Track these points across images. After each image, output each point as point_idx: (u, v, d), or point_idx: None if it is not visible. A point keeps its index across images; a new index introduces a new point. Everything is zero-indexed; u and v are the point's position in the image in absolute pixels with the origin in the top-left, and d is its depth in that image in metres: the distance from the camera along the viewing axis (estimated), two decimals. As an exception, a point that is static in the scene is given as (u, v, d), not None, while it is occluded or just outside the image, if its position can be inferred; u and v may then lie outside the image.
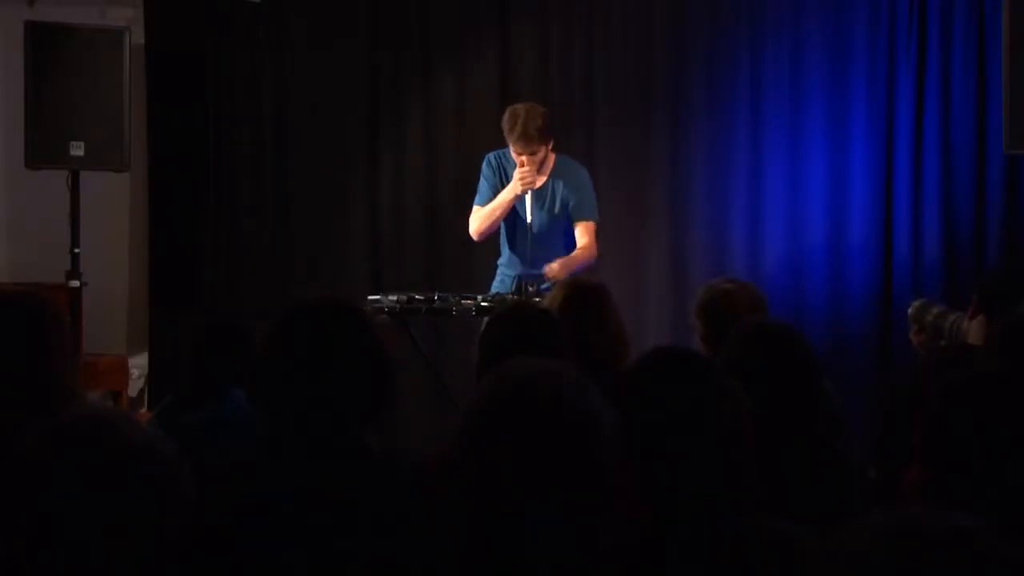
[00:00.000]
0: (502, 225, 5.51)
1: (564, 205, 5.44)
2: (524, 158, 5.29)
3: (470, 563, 1.80)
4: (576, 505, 1.76)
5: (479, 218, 5.49)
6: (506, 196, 5.38)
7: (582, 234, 5.42)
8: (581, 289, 3.78)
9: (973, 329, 3.55)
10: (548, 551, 1.77)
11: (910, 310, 4.08)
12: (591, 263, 5.43)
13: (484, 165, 5.55)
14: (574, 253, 5.38)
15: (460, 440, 1.81)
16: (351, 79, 6.81)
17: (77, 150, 6.18)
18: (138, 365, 7.04)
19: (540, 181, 5.39)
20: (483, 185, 5.53)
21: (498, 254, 5.69)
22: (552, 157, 5.44)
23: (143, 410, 6.75)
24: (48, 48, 6.18)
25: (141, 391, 7.07)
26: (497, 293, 5.39)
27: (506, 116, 5.36)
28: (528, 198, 5.34)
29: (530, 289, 5.13)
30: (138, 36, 6.75)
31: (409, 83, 6.77)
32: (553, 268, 5.21)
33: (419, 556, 2.08)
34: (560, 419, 1.77)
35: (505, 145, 5.47)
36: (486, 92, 6.63)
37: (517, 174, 5.32)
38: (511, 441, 1.75)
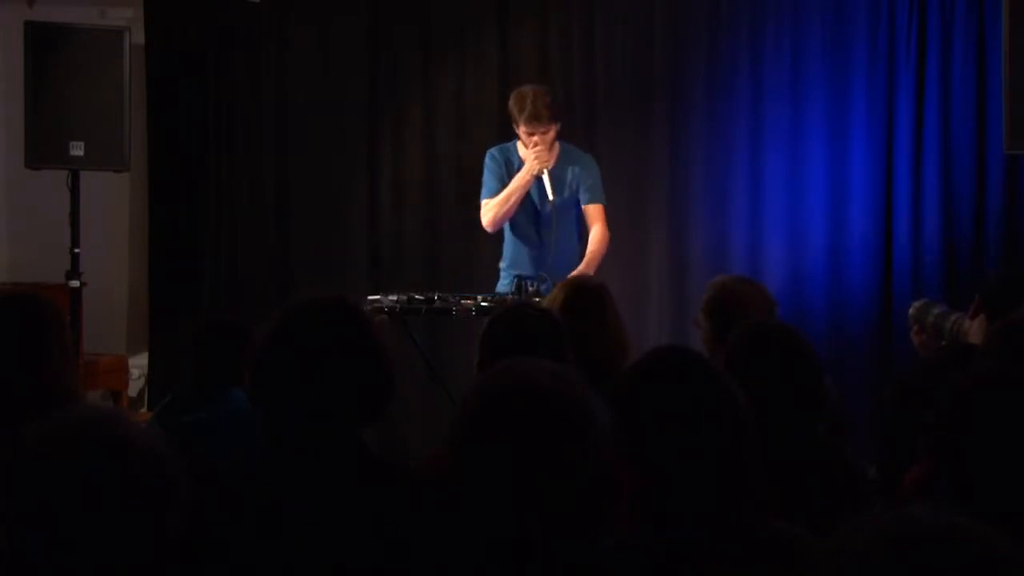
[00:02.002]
0: (507, 224, 5.48)
1: (574, 190, 5.44)
2: (536, 137, 5.28)
3: (469, 563, 1.80)
4: (573, 504, 1.76)
5: (494, 205, 5.43)
6: (521, 179, 5.34)
7: (596, 218, 5.43)
8: (582, 289, 3.77)
9: (974, 329, 3.54)
10: (546, 550, 1.77)
11: (911, 310, 4.07)
12: (606, 250, 5.44)
13: (487, 159, 5.52)
14: (592, 249, 5.38)
15: (455, 439, 1.82)
16: (351, 78, 6.81)
17: (77, 150, 6.18)
18: (138, 365, 7.05)
19: (552, 161, 5.37)
20: (489, 179, 5.49)
21: (498, 252, 5.67)
22: (557, 145, 5.43)
23: (143, 410, 6.76)
24: (48, 48, 6.18)
25: (141, 391, 7.08)
26: (498, 293, 5.38)
27: (513, 99, 5.35)
28: (546, 180, 5.32)
29: (530, 289, 5.12)
30: (138, 36, 6.75)
31: (409, 83, 6.77)
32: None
33: (418, 556, 2.08)
34: (555, 418, 1.77)
35: (507, 139, 5.47)
36: (486, 91, 6.63)
37: (531, 153, 5.29)
38: (506, 440, 1.76)
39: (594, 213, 5.45)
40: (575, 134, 6.46)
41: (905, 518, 1.23)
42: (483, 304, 5.16)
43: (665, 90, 6.44)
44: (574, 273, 5.14)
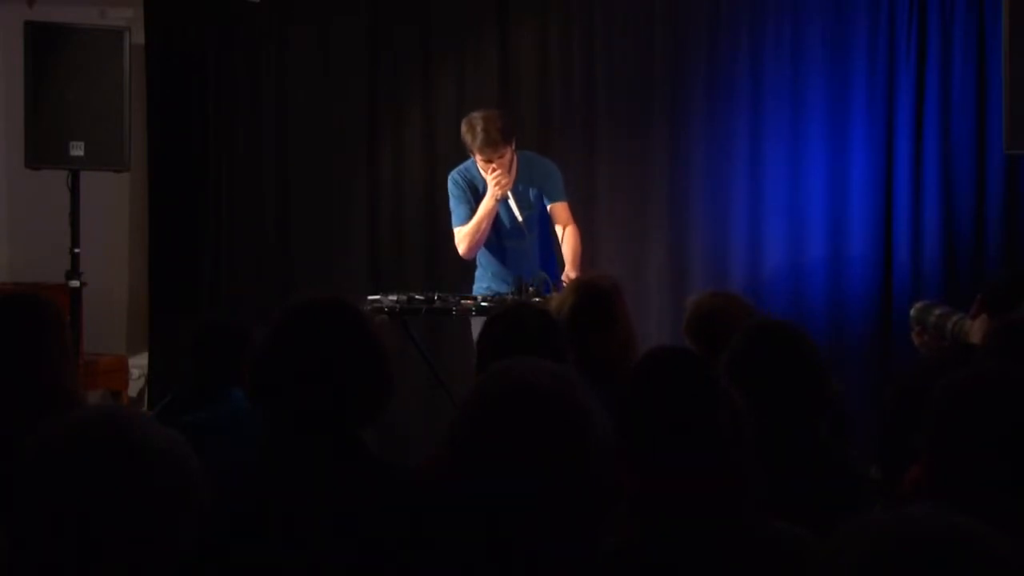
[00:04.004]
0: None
1: (537, 196, 5.47)
2: (493, 164, 5.29)
3: (469, 563, 1.80)
4: (572, 504, 1.76)
5: (466, 234, 5.45)
6: (487, 205, 5.38)
7: (562, 217, 5.46)
8: (593, 289, 3.75)
9: (975, 328, 3.54)
10: (546, 550, 1.77)
11: (912, 311, 4.06)
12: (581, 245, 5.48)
13: (451, 185, 5.52)
14: (572, 248, 5.40)
15: (455, 439, 1.82)
16: (351, 78, 6.81)
17: (77, 150, 6.18)
18: (138, 365, 7.05)
19: (512, 180, 5.39)
20: (456, 205, 5.50)
21: None
22: (516, 156, 5.43)
23: (143, 410, 6.75)
24: (48, 48, 6.18)
25: (141, 391, 7.08)
26: (497, 293, 5.39)
27: (463, 128, 5.35)
28: (512, 199, 5.34)
29: (530, 289, 5.13)
30: (138, 36, 6.75)
31: (409, 83, 6.77)
32: (570, 276, 5.20)
33: (419, 557, 2.08)
34: (553, 418, 1.77)
35: (462, 160, 5.48)
36: (486, 92, 6.62)
37: (491, 180, 5.32)
38: (505, 440, 1.75)
39: (560, 213, 5.47)
40: (575, 134, 6.49)
41: (905, 518, 1.23)
42: (483, 304, 5.16)
43: (665, 90, 6.45)
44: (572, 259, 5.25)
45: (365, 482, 2.28)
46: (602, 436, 1.80)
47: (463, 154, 6.44)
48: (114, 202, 7.05)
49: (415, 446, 6.21)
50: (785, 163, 6.29)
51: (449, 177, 5.57)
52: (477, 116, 5.35)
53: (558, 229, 5.49)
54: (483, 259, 5.59)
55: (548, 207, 5.49)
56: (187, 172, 6.94)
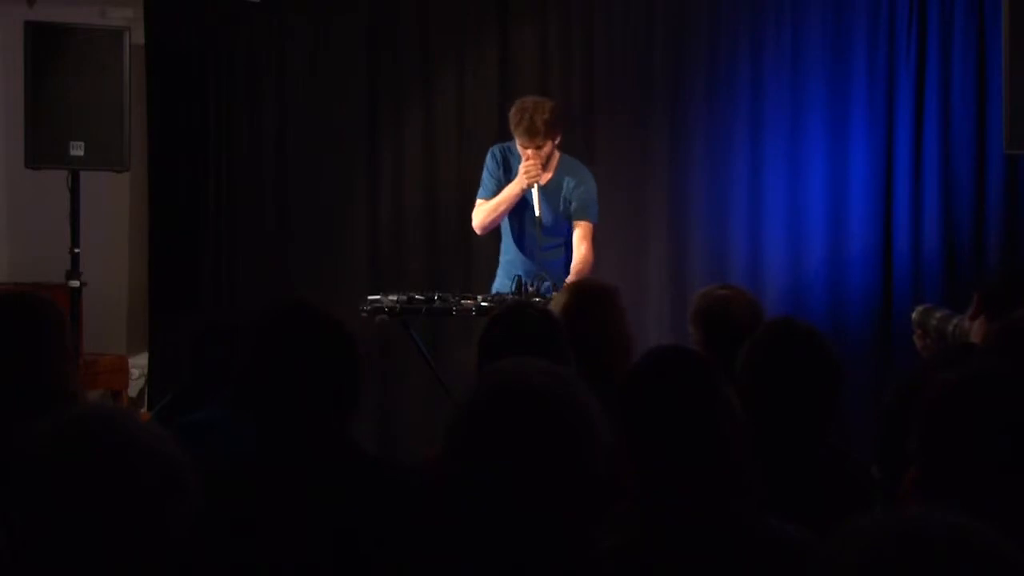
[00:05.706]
0: (506, 221, 5.49)
1: (568, 203, 5.43)
2: (530, 151, 5.27)
3: (467, 563, 1.80)
4: (570, 504, 1.76)
5: (483, 211, 5.47)
6: (512, 190, 5.36)
7: (581, 238, 5.38)
8: (585, 292, 3.76)
9: (974, 329, 3.54)
10: (544, 550, 1.77)
11: (914, 315, 4.07)
12: (589, 271, 5.40)
13: (488, 158, 5.54)
14: (574, 268, 5.30)
15: (452, 439, 1.82)
16: (351, 79, 6.81)
17: (77, 150, 6.18)
18: (138, 365, 7.05)
19: (546, 177, 5.37)
20: (486, 178, 5.51)
21: (498, 252, 5.69)
22: (557, 155, 5.43)
23: (143, 410, 6.76)
24: (48, 48, 6.18)
25: (141, 391, 7.08)
26: (497, 293, 5.38)
27: (513, 109, 5.35)
28: (535, 192, 5.32)
29: (530, 289, 5.12)
30: (138, 36, 6.75)
31: (409, 83, 6.77)
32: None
33: (416, 556, 2.08)
34: (551, 418, 1.77)
35: (510, 138, 5.46)
36: (486, 92, 6.62)
37: (522, 168, 5.30)
38: (502, 440, 1.76)
39: (580, 231, 5.39)
40: (574, 134, 6.47)
41: (905, 518, 1.23)
42: (483, 304, 5.15)
43: (665, 90, 6.44)
44: (572, 278, 5.15)
45: (362, 481, 2.28)
46: (602, 436, 1.80)
47: (463, 153, 6.45)
48: (114, 202, 7.04)
49: (415, 446, 6.20)
50: (785, 163, 6.29)
51: (489, 150, 5.57)
52: (529, 101, 5.33)
53: (575, 245, 5.40)
54: (504, 244, 5.57)
55: (573, 221, 5.41)
56: (187, 172, 6.93)
